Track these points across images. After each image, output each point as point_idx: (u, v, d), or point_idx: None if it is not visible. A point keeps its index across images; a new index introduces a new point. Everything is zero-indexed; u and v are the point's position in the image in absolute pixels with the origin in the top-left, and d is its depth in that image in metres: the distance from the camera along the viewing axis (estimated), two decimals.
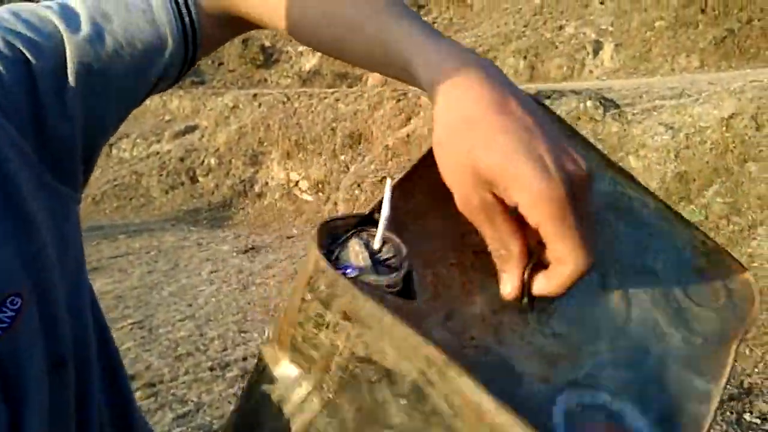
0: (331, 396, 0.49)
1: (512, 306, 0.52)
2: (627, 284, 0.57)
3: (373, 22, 0.58)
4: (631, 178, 0.66)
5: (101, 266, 7.45)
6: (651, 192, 0.65)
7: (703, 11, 11.56)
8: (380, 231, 0.49)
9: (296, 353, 0.52)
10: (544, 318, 0.54)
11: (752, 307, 0.59)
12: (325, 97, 10.86)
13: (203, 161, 11.11)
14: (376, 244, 0.50)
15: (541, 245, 0.47)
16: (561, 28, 12.31)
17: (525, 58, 12.08)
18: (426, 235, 0.56)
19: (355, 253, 0.50)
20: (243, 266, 7.12)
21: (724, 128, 6.50)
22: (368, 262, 0.49)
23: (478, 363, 0.50)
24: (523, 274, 0.49)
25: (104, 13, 0.65)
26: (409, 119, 9.63)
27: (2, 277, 0.55)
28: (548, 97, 8.58)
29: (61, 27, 0.63)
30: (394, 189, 0.51)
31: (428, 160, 0.52)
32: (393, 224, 0.50)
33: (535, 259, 0.49)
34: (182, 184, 10.89)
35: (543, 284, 0.48)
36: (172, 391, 4.30)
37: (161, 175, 11.01)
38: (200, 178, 10.93)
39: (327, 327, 0.48)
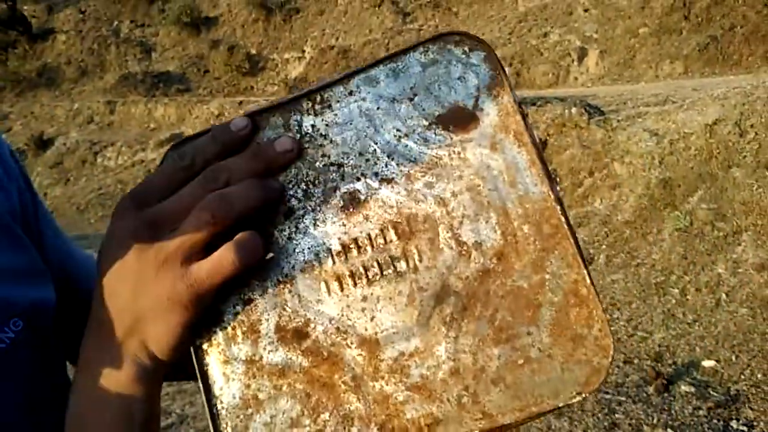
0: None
1: None
2: None
3: None
4: None
5: None
6: None
7: (686, 18, 11.65)
8: None
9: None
10: None
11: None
12: None
13: None
14: None
15: None
16: (546, 35, 12.36)
17: (510, 65, 12.12)
18: None
19: None
20: None
21: (708, 134, 6.54)
22: None
23: None
24: None
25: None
26: None
27: (11, 299, 0.59)
28: (534, 104, 8.61)
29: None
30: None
31: None
32: None
33: None
34: None
35: None
36: None
37: None
38: None
39: None
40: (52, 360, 0.65)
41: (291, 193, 0.51)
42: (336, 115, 0.53)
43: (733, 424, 3.53)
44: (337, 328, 0.48)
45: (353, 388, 0.47)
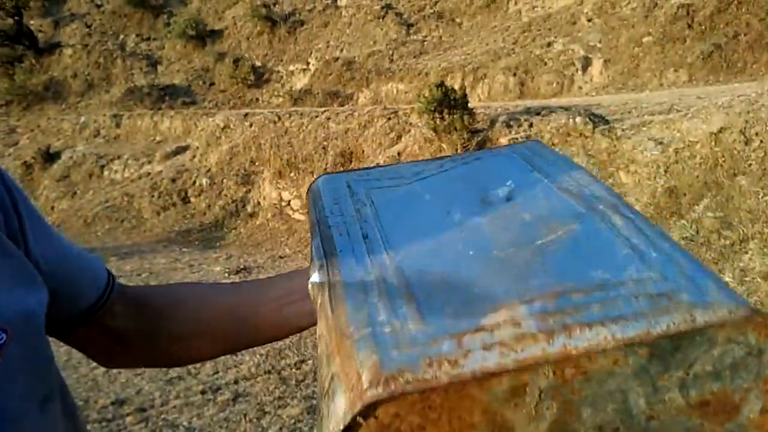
0: None
1: None
2: None
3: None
4: None
5: None
6: None
7: (690, 26, 11.66)
8: None
9: None
10: None
11: None
12: (316, 116, 10.88)
13: (195, 182, 11.09)
14: None
15: None
16: (550, 44, 12.39)
17: (515, 74, 12.14)
18: None
19: None
20: None
21: (713, 143, 6.54)
22: None
23: None
24: None
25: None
26: (399, 137, 9.65)
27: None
28: (538, 114, 8.63)
29: None
30: None
31: None
32: None
33: None
34: (174, 204, 10.86)
35: None
36: (163, 416, 4.25)
37: (153, 196, 10.98)
38: (192, 199, 10.90)
39: None
40: (40, 368, 0.65)
41: None
42: None
43: None
44: None
45: None
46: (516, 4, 13.98)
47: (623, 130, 7.69)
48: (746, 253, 5.50)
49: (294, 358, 5.04)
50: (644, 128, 7.60)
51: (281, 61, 15.33)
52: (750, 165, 6.18)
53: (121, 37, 17.79)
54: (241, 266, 7.82)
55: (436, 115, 8.40)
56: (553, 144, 8.01)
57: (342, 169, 9.60)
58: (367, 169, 0.78)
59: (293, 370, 4.84)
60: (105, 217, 10.77)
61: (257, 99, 14.68)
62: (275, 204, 10.13)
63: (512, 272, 0.55)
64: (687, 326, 0.47)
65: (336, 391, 0.46)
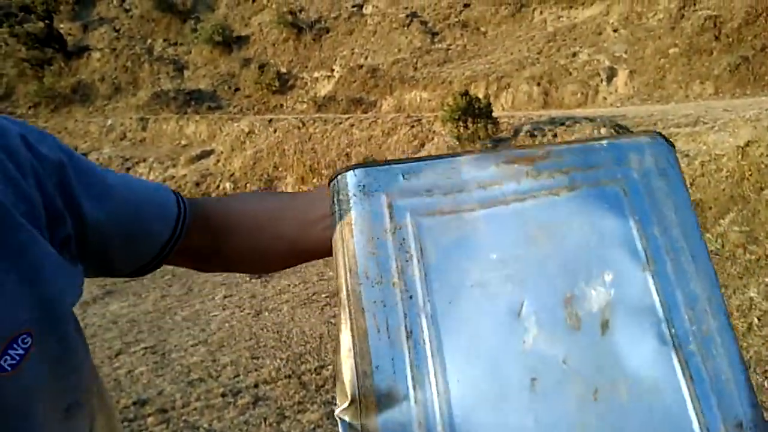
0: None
1: None
2: None
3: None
4: None
5: (116, 289, 7.49)
6: None
7: (717, 38, 11.56)
8: None
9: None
10: None
11: None
12: (340, 123, 10.93)
13: (219, 186, 11.18)
14: None
15: None
16: (575, 55, 12.35)
17: (539, 84, 12.11)
18: None
19: None
20: (256, 291, 7.13)
21: (740, 156, 6.47)
22: None
23: None
24: None
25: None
26: (422, 145, 9.66)
27: (15, 315, 0.57)
28: (562, 124, 8.60)
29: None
30: None
31: None
32: None
33: None
34: None
35: None
36: (183, 417, 4.28)
37: None
38: None
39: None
40: (66, 373, 0.63)
41: None
42: None
43: None
44: None
45: None
46: (541, 13, 13.96)
47: None
48: None
49: (314, 363, 5.06)
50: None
51: (306, 67, 15.42)
52: None
53: (149, 41, 18.03)
54: None
55: (460, 123, 8.41)
56: None
57: None
58: (413, 162, 0.58)
59: (313, 375, 4.85)
60: None
61: (282, 105, 14.78)
62: None
63: None
64: None
65: None
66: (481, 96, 9.20)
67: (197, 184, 11.29)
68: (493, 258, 0.53)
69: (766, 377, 4.23)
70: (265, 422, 4.17)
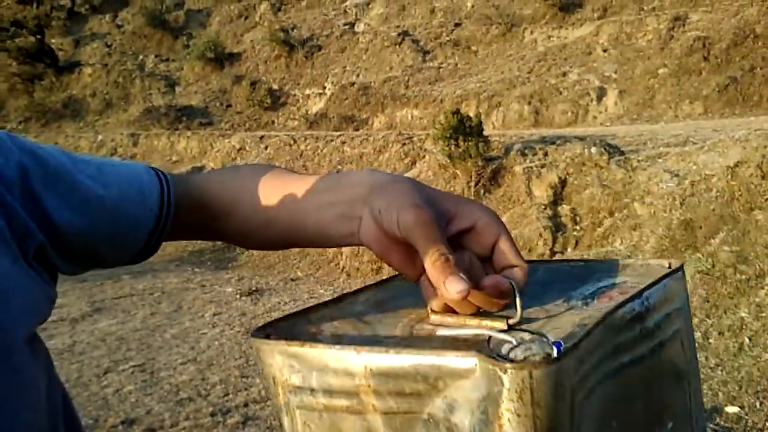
0: None
1: None
2: None
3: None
4: None
5: (105, 307, 7.43)
6: None
7: (706, 59, 11.69)
8: None
9: None
10: None
11: None
12: (332, 140, 10.95)
13: None
14: None
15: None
16: (565, 74, 12.45)
17: (529, 103, 12.19)
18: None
19: None
20: (246, 309, 7.09)
21: (729, 176, 6.52)
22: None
23: None
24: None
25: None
26: (413, 163, 9.69)
27: None
28: (553, 143, 8.64)
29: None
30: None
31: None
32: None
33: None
34: None
35: (521, 276, 0.58)
36: None
37: None
38: None
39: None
40: (21, 401, 0.59)
41: None
42: None
43: None
44: None
45: None
46: (532, 33, 14.09)
47: (639, 161, 7.68)
48: (763, 288, 5.45)
49: None
50: (660, 160, 7.59)
51: (298, 84, 15.47)
52: (767, 199, 6.16)
53: (141, 57, 18.04)
54: (253, 288, 7.82)
55: (451, 141, 8.42)
56: (568, 174, 8.02)
57: None
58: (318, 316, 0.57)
59: None
60: None
61: (273, 122, 14.80)
62: None
63: None
64: None
65: None
66: (472, 114, 9.24)
67: None
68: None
69: (758, 398, 4.24)
70: None
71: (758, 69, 11.04)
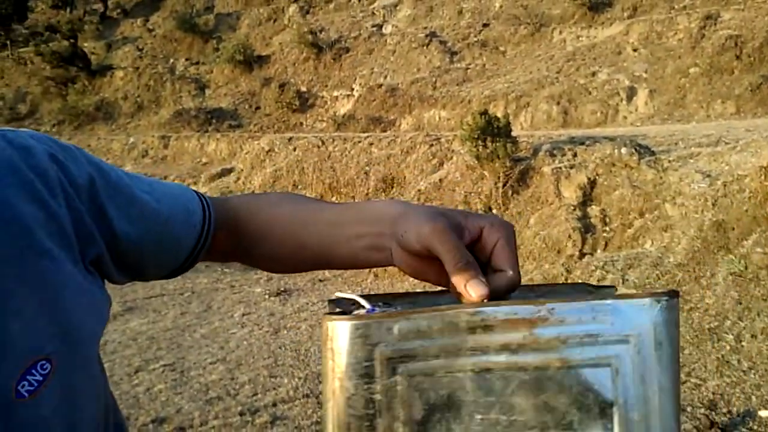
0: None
1: None
2: None
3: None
4: None
5: (136, 306, 7.54)
6: None
7: (738, 58, 11.50)
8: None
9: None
10: None
11: None
12: (359, 142, 10.98)
13: None
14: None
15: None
16: (594, 74, 12.33)
17: (558, 103, 12.10)
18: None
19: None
20: (275, 309, 7.15)
21: (762, 176, 6.40)
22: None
23: None
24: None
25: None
26: (441, 164, 9.68)
27: (36, 341, 0.57)
28: (582, 143, 8.57)
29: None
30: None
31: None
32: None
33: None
34: None
35: (500, 283, 0.60)
36: None
37: None
38: None
39: (379, 376, 0.53)
40: (82, 404, 0.63)
41: None
42: None
43: None
44: None
45: None
46: (561, 33, 13.99)
47: (670, 161, 7.58)
48: None
49: None
50: (691, 160, 7.48)
51: (326, 86, 15.54)
52: None
53: (171, 60, 18.28)
54: (282, 288, 7.88)
55: (479, 142, 8.40)
56: (597, 174, 7.95)
57: (384, 195, 9.66)
58: (410, 313, 0.56)
59: None
60: None
61: (301, 123, 14.89)
62: None
63: None
64: None
65: None
66: (500, 115, 9.21)
67: None
68: (478, 420, 0.54)
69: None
70: None
71: None
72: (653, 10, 13.51)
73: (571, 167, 8.20)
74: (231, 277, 8.89)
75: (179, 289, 8.26)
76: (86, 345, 0.64)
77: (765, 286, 5.49)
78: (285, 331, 6.35)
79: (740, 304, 5.41)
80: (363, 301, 0.61)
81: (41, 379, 0.56)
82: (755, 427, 3.95)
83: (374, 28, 16.52)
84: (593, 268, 6.75)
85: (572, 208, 7.70)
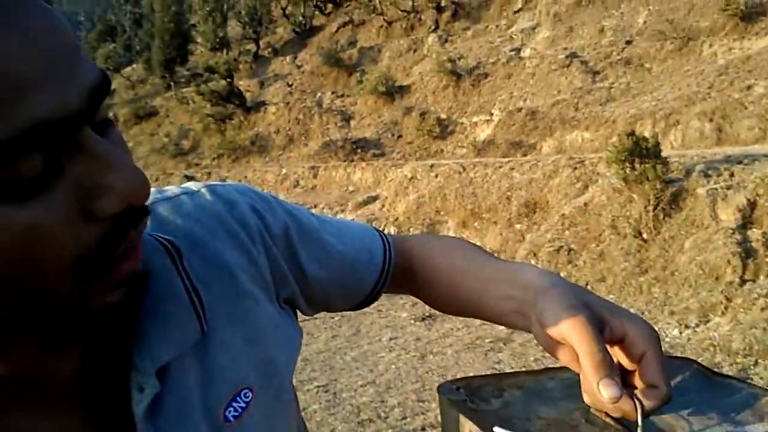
0: None
1: None
2: None
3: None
4: None
5: None
6: None
7: None
8: None
9: None
10: None
11: None
12: (500, 167, 11.01)
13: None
14: None
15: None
16: (750, 87, 11.61)
17: (711, 120, 11.50)
18: None
19: None
20: (421, 334, 7.31)
21: None
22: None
23: None
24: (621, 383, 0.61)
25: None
26: (586, 187, 9.50)
27: (240, 372, 0.64)
28: (740, 162, 8.12)
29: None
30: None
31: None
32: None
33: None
34: None
35: (656, 399, 0.62)
36: None
37: None
38: None
39: None
40: (283, 422, 0.70)
41: None
42: None
43: None
44: None
45: None
46: (711, 46, 13.31)
47: None
48: None
49: None
50: None
51: (465, 112, 15.69)
52: None
53: (318, 94, 19.21)
54: (427, 313, 8.04)
55: (626, 164, 8.17)
56: (758, 195, 7.50)
57: (527, 220, 9.62)
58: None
59: None
60: None
61: (442, 150, 15.10)
62: None
63: None
64: None
65: None
66: (647, 135, 8.90)
67: None
68: None
69: None
70: None
71: None
72: None
73: (728, 188, 7.79)
74: (378, 301, 9.15)
75: (330, 314, 8.64)
76: (282, 374, 0.70)
77: None
78: (431, 356, 6.49)
79: None
80: None
81: (244, 405, 0.63)
82: None
83: (512, 53, 16.50)
84: (755, 296, 6.37)
85: (731, 231, 7.30)
